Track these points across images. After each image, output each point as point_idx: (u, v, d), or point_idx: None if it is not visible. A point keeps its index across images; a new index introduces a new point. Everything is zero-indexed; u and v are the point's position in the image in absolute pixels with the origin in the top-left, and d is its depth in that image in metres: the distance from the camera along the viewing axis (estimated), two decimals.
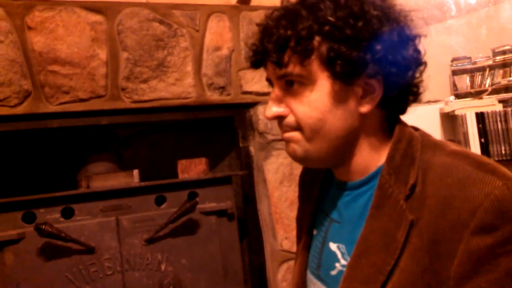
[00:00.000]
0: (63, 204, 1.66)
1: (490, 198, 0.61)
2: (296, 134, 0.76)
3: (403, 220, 0.68)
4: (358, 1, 0.71)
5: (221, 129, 2.17)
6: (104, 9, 1.75)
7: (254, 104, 2.02)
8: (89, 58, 1.72)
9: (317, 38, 0.70)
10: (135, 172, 1.78)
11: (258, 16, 2.00)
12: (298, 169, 2.08)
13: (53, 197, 1.64)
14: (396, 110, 0.79)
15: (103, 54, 1.74)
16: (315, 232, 0.89)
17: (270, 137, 2.02)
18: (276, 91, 0.76)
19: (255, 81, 1.99)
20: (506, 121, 2.53)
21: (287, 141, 0.78)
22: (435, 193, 0.66)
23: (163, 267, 1.74)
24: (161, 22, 1.83)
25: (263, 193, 2.04)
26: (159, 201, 1.79)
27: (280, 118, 0.76)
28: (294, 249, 2.04)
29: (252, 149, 2.05)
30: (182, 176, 1.85)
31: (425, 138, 0.76)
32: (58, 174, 1.97)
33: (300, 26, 0.70)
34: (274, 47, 0.73)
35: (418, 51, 0.75)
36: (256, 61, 0.79)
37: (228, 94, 1.95)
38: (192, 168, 1.84)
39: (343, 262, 0.78)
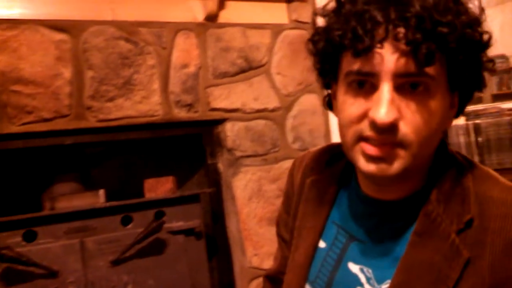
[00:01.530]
0: (25, 227, 1.62)
1: None
2: (400, 150, 0.62)
3: (457, 256, 0.62)
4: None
5: (189, 146, 2.16)
6: (69, 27, 1.72)
7: (222, 121, 2.02)
8: (53, 77, 1.69)
9: (466, 37, 0.60)
10: (101, 192, 1.76)
11: (225, 33, 2.01)
12: (266, 185, 2.09)
13: (15, 220, 1.60)
14: None
15: (67, 73, 1.72)
16: (323, 245, 0.79)
17: (238, 153, 2.03)
18: (390, 92, 0.60)
19: (223, 97, 2.00)
20: (468, 134, 2.61)
21: (381, 158, 0.63)
22: (498, 232, 0.61)
23: None
24: (127, 40, 1.82)
25: (231, 210, 2.04)
26: (126, 221, 1.77)
27: (390, 127, 0.60)
28: (263, 265, 2.04)
29: (220, 166, 2.05)
30: (149, 195, 1.83)
31: (472, 165, 0.70)
32: (23, 196, 1.92)
33: (464, 17, 0.60)
34: (423, 34, 0.57)
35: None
36: (370, 43, 0.59)
37: (196, 111, 1.95)
38: (159, 187, 1.83)
39: (368, 287, 0.71)
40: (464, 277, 0.61)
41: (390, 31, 0.58)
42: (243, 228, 2.02)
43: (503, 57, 5.40)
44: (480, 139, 2.62)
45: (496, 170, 0.72)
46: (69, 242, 1.66)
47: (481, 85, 0.68)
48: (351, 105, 0.64)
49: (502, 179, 0.68)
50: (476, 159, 2.60)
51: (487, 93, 5.43)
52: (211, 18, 1.98)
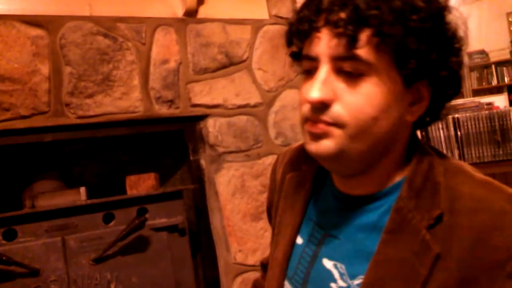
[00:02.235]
0: (5, 226, 1.59)
1: None
2: (335, 129, 0.64)
3: (427, 252, 0.62)
4: None
5: (172, 143, 2.14)
6: (46, 23, 1.70)
7: (203, 117, 2.01)
8: (30, 74, 1.67)
9: (408, 24, 0.61)
10: (82, 189, 1.73)
11: (205, 29, 2.00)
12: (249, 181, 2.08)
13: None
14: (419, 125, 0.73)
15: (45, 69, 1.69)
16: (300, 241, 0.80)
17: (220, 149, 2.02)
18: (326, 72, 0.64)
19: (204, 93, 1.99)
20: (447, 128, 2.64)
21: (319, 136, 0.66)
22: (467, 227, 0.61)
23: (112, 286, 1.70)
24: (105, 36, 1.80)
25: (215, 206, 2.03)
26: (107, 219, 1.75)
27: (321, 106, 0.64)
28: (248, 261, 2.04)
29: (203, 162, 2.04)
30: (131, 192, 1.82)
31: (446, 160, 0.69)
32: (3, 194, 1.89)
33: (398, 3, 0.60)
34: (352, 17, 0.60)
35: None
36: (309, 28, 0.64)
37: (177, 108, 1.94)
38: (141, 184, 1.81)
39: (341, 283, 0.70)
40: (434, 273, 0.61)
41: (329, 17, 0.62)
42: (227, 224, 2.01)
43: (483, 52, 5.49)
44: (459, 133, 2.66)
45: (475, 163, 0.72)
46: (51, 240, 1.63)
47: (453, 80, 0.67)
48: (301, 89, 0.69)
49: (474, 172, 0.68)
50: (455, 152, 2.63)
51: (467, 88, 5.52)
52: (191, 13, 1.97)
